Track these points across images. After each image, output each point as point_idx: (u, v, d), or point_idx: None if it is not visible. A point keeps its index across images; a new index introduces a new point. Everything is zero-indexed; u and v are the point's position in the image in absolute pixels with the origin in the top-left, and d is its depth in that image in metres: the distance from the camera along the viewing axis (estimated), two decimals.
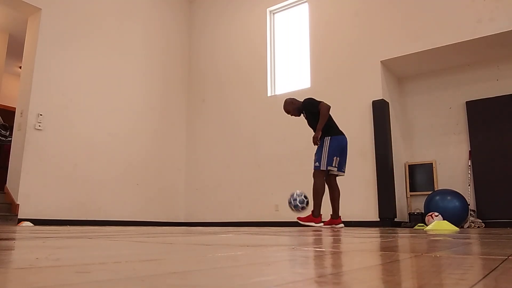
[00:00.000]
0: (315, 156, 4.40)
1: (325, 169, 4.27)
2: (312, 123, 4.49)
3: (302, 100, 4.57)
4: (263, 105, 6.91)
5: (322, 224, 4.37)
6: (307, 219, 4.38)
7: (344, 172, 4.45)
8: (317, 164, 4.32)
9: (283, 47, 7.20)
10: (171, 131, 7.62)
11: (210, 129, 7.56)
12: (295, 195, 4.33)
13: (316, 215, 4.30)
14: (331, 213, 4.45)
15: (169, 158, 7.49)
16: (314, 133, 4.41)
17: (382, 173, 5.50)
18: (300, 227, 4.51)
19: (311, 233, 2.59)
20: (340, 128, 4.51)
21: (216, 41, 7.87)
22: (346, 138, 4.47)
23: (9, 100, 9.66)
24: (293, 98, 4.70)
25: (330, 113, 4.43)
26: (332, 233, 2.56)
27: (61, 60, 5.99)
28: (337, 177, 4.50)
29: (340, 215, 4.47)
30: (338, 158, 4.32)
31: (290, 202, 4.34)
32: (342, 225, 4.48)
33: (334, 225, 4.43)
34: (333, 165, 4.29)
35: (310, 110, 4.45)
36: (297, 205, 4.28)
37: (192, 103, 7.98)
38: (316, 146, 4.43)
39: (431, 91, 6.17)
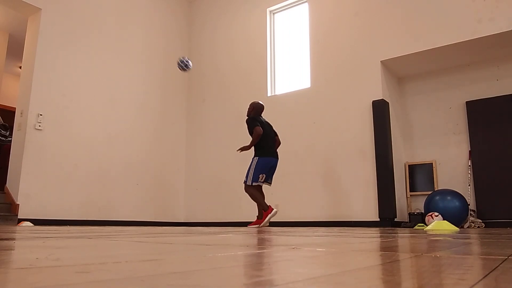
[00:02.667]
0: (246, 172, 5.00)
1: (250, 184, 4.89)
2: (249, 133, 5.04)
3: (251, 111, 5.14)
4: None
5: (275, 210, 4.88)
6: (264, 216, 4.87)
7: (270, 183, 5.09)
8: (245, 179, 4.96)
9: (283, 47, 7.20)
10: (171, 131, 7.61)
11: (210, 129, 7.56)
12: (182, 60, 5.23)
13: (266, 209, 4.84)
14: (257, 214, 4.98)
15: (169, 158, 7.49)
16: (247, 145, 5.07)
17: (382, 173, 5.50)
18: (299, 228, 4.51)
19: (311, 233, 2.59)
20: (274, 149, 5.06)
21: (216, 41, 7.87)
22: (274, 159, 5.03)
23: (9, 100, 9.66)
24: (255, 105, 5.17)
25: (266, 133, 4.99)
26: (332, 233, 2.56)
27: (61, 60, 5.99)
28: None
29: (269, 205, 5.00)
30: (264, 175, 4.93)
31: (181, 65, 5.22)
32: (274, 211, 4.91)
33: (262, 223, 4.88)
34: (259, 181, 4.92)
35: (248, 124, 5.03)
36: (183, 62, 5.22)
37: (192, 103, 7.98)
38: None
39: (431, 91, 6.17)
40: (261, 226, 4.81)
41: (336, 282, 0.54)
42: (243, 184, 5.04)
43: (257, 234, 2.35)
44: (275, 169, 5.09)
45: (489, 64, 5.77)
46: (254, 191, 4.92)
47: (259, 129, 4.88)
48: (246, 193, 5.04)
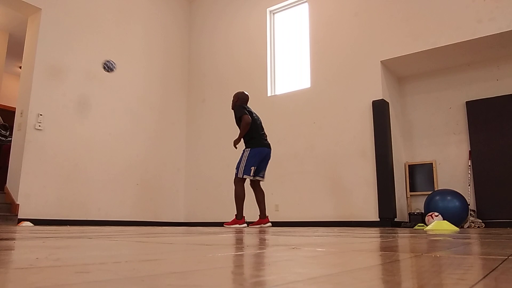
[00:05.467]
0: (237, 163, 4.82)
1: (241, 177, 4.68)
2: (237, 124, 4.84)
3: (236, 102, 4.93)
4: (263, 105, 6.90)
5: (245, 225, 4.76)
6: (231, 222, 4.77)
7: (263, 177, 4.87)
8: (236, 171, 4.76)
9: (283, 47, 7.20)
10: (171, 131, 7.62)
11: (210, 129, 7.56)
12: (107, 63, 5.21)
13: (239, 218, 4.71)
14: (259, 213, 4.82)
15: (169, 158, 7.49)
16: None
17: (382, 173, 5.50)
18: (299, 228, 4.51)
19: (311, 233, 2.59)
20: (265, 139, 4.86)
21: (216, 41, 7.87)
22: (267, 149, 4.83)
23: (9, 100, 9.66)
24: (240, 95, 4.98)
25: (256, 122, 4.80)
26: (332, 233, 2.56)
27: (61, 60, 5.99)
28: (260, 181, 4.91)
29: (267, 215, 4.92)
30: (255, 167, 4.72)
31: (105, 67, 5.18)
32: (269, 224, 4.86)
33: (262, 225, 4.80)
34: (250, 174, 4.70)
35: (235, 114, 4.81)
36: (107, 65, 5.19)
37: (192, 103, 7.98)
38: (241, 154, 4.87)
39: (431, 91, 6.17)
40: (227, 225, 4.77)
41: (336, 282, 0.54)
42: (254, 188, 4.85)
43: (257, 234, 2.36)
44: (268, 161, 4.88)
45: (489, 64, 5.77)
46: (242, 188, 4.70)
47: (247, 117, 4.66)
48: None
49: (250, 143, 4.77)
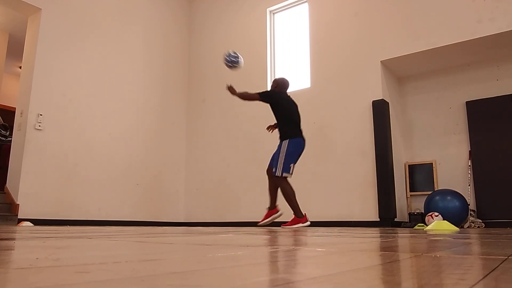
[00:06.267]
0: (272, 158, 4.38)
1: (280, 176, 4.27)
2: (273, 113, 4.49)
3: (275, 88, 4.60)
4: (263, 105, 6.88)
5: (308, 223, 4.34)
6: (292, 222, 4.36)
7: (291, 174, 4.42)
8: (274, 170, 4.31)
9: (283, 47, 7.19)
10: (171, 131, 7.61)
11: (210, 129, 7.56)
12: (228, 56, 4.43)
13: (300, 216, 4.31)
14: (269, 204, 4.48)
15: (169, 158, 7.49)
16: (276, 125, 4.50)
17: (382, 173, 5.50)
18: (300, 228, 4.50)
19: (311, 233, 2.59)
20: (299, 129, 4.45)
21: (216, 41, 7.87)
22: (303, 141, 4.42)
23: (9, 100, 9.66)
24: (278, 80, 4.68)
25: (293, 110, 4.44)
26: (332, 234, 2.56)
27: (61, 60, 5.99)
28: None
29: (277, 204, 4.51)
30: (294, 164, 4.33)
31: (227, 62, 4.43)
32: (280, 212, 4.44)
33: (273, 216, 4.43)
34: (290, 172, 4.30)
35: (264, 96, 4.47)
36: (232, 60, 4.41)
37: (192, 103, 7.98)
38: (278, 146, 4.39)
39: (431, 91, 6.17)
40: (287, 226, 4.35)
41: (336, 282, 0.54)
42: (271, 176, 4.36)
43: (257, 234, 2.36)
44: (300, 156, 4.44)
45: (489, 64, 5.77)
46: (287, 184, 4.24)
47: (256, 95, 4.34)
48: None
49: (287, 134, 4.32)
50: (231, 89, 4.44)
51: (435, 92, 6.13)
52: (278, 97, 4.49)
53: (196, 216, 7.43)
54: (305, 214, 4.35)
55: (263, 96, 4.42)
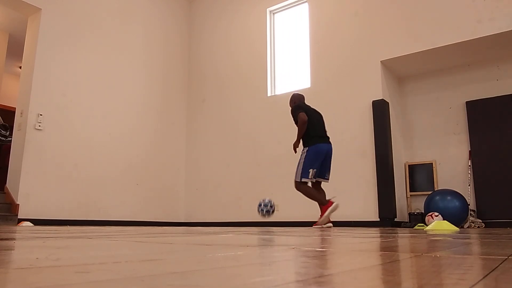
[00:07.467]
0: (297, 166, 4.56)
1: (299, 180, 4.43)
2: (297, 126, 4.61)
3: (295, 102, 4.74)
4: (263, 105, 6.91)
5: (336, 203, 4.38)
6: (323, 211, 4.40)
7: (327, 179, 4.59)
8: (295, 176, 4.51)
9: (283, 47, 7.20)
10: (171, 131, 7.62)
11: (210, 129, 7.56)
12: (262, 205, 4.54)
13: (324, 203, 4.39)
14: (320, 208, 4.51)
15: (169, 158, 7.49)
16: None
17: (382, 173, 5.50)
18: (299, 228, 4.50)
19: (311, 233, 2.59)
20: (323, 136, 4.58)
21: (216, 41, 7.87)
22: (326, 145, 4.53)
23: (9, 100, 9.66)
24: (296, 96, 4.83)
25: (314, 119, 4.55)
26: (332, 233, 2.56)
27: (61, 60, 5.99)
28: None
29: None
30: (314, 170, 4.41)
31: (260, 210, 4.54)
32: (336, 204, 4.46)
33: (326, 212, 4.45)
34: (309, 176, 4.40)
35: (293, 115, 4.63)
36: (268, 210, 4.51)
37: (192, 103, 7.98)
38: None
39: (431, 91, 6.17)
40: (319, 223, 4.37)
41: (336, 282, 0.54)
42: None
43: (257, 234, 2.36)
44: (331, 159, 4.56)
45: (489, 64, 5.77)
46: (306, 187, 4.39)
47: (303, 115, 4.41)
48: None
49: (308, 142, 4.51)
50: (296, 144, 4.58)
51: (435, 92, 6.13)
52: (304, 109, 4.62)
53: (196, 216, 7.43)
54: (329, 200, 4.42)
55: (302, 113, 4.50)
